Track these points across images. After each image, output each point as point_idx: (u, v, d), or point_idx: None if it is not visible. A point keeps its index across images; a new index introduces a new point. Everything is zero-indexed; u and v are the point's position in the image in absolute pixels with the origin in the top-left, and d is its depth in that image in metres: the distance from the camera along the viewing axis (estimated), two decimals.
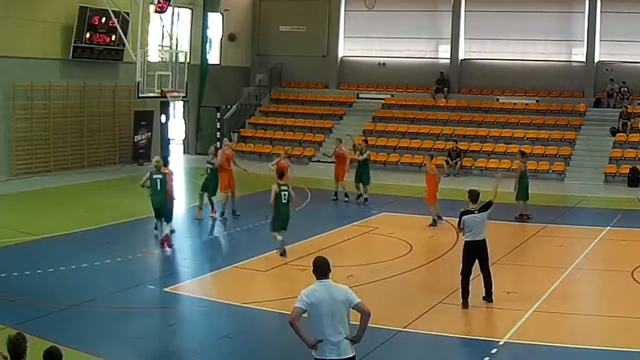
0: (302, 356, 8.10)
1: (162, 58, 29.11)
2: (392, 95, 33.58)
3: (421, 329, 11.03)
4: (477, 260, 12.05)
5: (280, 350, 10.26)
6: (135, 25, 26.14)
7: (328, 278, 7.26)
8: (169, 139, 31.18)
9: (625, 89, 29.80)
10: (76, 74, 26.40)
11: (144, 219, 18.41)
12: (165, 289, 13.02)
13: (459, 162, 28.40)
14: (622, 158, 27.13)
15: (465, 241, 12.06)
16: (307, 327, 7.22)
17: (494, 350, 10.08)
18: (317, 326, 7.13)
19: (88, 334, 10.63)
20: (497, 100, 31.80)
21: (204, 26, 32.17)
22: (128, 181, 24.25)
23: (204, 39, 32.20)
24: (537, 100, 31.43)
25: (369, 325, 7.23)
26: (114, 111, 28.25)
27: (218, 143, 21.82)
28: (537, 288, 13.00)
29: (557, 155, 28.00)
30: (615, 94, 29.96)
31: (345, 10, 35.04)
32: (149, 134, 29.51)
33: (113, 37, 26.72)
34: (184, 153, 32.46)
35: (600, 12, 30.25)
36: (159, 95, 26.70)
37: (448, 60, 33.06)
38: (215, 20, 33.24)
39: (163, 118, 30.38)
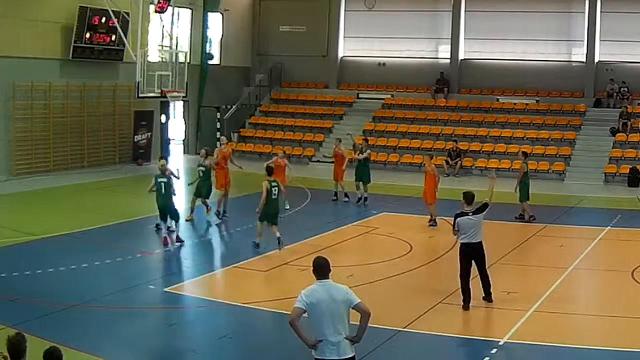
0: (302, 356, 8.10)
1: (162, 58, 29.10)
2: (392, 95, 33.58)
3: (421, 329, 11.02)
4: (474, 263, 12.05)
5: (280, 351, 10.25)
6: (135, 25, 26.14)
7: (328, 278, 7.26)
8: (169, 139, 31.21)
9: (625, 89, 29.80)
10: (76, 74, 26.40)
11: (144, 219, 18.44)
12: (165, 289, 13.02)
13: (459, 162, 28.40)
14: (622, 158, 27.14)
15: (461, 243, 12.05)
16: (307, 327, 7.22)
17: (494, 350, 10.09)
18: (317, 326, 7.13)
19: (88, 334, 10.62)
20: (497, 100, 31.80)
21: (204, 26, 32.17)
22: (130, 181, 24.29)
23: (204, 39, 32.20)
24: (537, 100, 31.43)
25: (369, 325, 7.23)
26: (114, 111, 28.25)
27: (218, 143, 21.80)
28: (537, 288, 13.00)
29: (557, 155, 28.01)
30: (615, 94, 29.96)
31: (345, 10, 35.04)
32: (149, 134, 29.52)
33: (113, 37, 26.71)
34: (184, 153, 32.46)
35: (600, 12, 30.25)
36: (159, 95, 26.71)
37: (448, 60, 33.06)
38: (215, 20, 33.25)
39: (163, 118, 30.42)
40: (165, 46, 29.13)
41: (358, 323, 7.19)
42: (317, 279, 7.25)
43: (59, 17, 25.50)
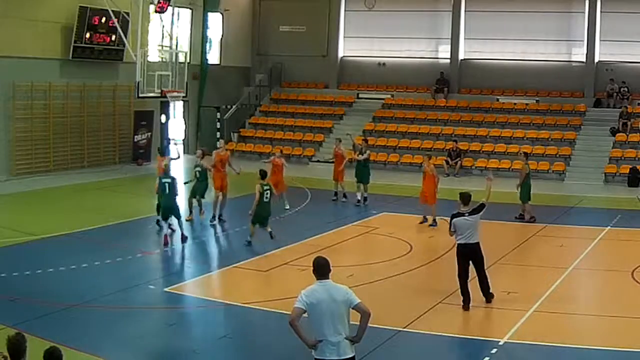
0: (302, 356, 8.10)
1: (162, 58, 29.11)
2: (392, 95, 33.58)
3: (421, 329, 11.02)
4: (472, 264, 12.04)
5: (280, 351, 10.25)
6: (135, 25, 26.15)
7: (328, 278, 7.26)
8: (169, 139, 31.20)
9: (625, 89, 29.80)
10: (76, 74, 26.41)
11: (144, 219, 18.44)
12: (165, 289, 13.02)
13: (459, 162, 28.40)
14: (622, 158, 27.13)
15: (458, 244, 12.04)
16: (307, 327, 7.22)
17: (494, 350, 10.08)
18: (317, 326, 7.13)
19: (88, 334, 10.62)
20: (497, 100, 31.80)
21: (204, 26, 32.17)
22: (130, 181, 24.29)
23: (204, 39, 32.20)
24: (537, 100, 31.43)
25: (369, 325, 7.24)
26: (114, 111, 28.26)
27: (218, 143, 21.80)
28: (537, 288, 12.99)
29: (557, 155, 28.00)
30: (615, 94, 29.96)
31: (345, 10, 35.04)
32: (149, 134, 29.53)
33: (113, 37, 26.72)
34: (184, 153, 32.43)
35: (600, 12, 30.25)
36: (159, 95, 26.71)
37: (448, 60, 33.06)
38: (215, 20, 33.25)
39: (163, 118, 30.42)
40: (165, 46, 29.14)
41: (358, 323, 7.19)
42: (317, 279, 7.25)
43: (59, 17, 25.51)
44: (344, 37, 35.23)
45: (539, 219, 19.16)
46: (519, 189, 19.31)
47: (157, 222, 17.28)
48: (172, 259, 15.60)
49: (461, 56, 32.96)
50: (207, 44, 32.42)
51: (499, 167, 27.46)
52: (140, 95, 26.01)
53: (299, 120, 33.10)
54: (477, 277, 12.09)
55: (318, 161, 30.04)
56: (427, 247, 16.89)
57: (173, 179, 16.32)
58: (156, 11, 26.83)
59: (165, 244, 15.88)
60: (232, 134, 32.90)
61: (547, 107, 30.63)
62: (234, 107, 33.57)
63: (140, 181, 25.03)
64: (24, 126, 24.97)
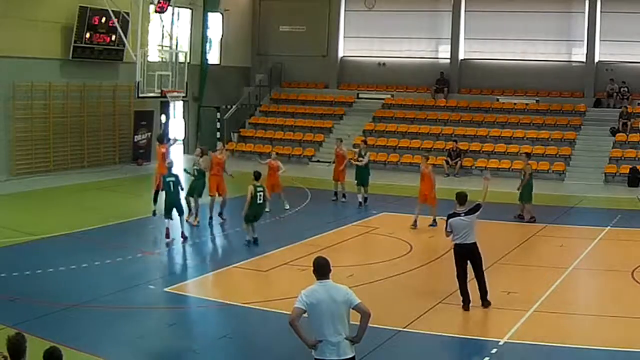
0: (302, 356, 8.10)
1: (162, 58, 29.12)
2: (392, 95, 33.57)
3: (421, 329, 11.03)
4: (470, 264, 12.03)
5: (280, 351, 10.25)
6: (135, 25, 26.14)
7: (328, 278, 7.26)
8: (169, 139, 31.19)
9: (625, 89, 29.79)
10: (76, 74, 26.40)
11: (144, 219, 18.45)
12: (165, 289, 13.02)
13: (459, 162, 28.39)
14: (622, 158, 27.13)
15: (455, 244, 12.02)
16: (307, 327, 7.22)
17: (494, 350, 10.09)
18: (317, 326, 7.13)
19: (88, 334, 10.63)
20: (497, 100, 31.79)
21: (204, 26, 32.17)
22: (130, 181, 24.28)
23: (204, 39, 32.20)
24: (537, 100, 31.43)
25: (369, 325, 7.24)
26: (114, 111, 28.26)
27: (217, 146, 21.77)
28: (537, 288, 13.00)
29: (557, 155, 28.00)
30: (615, 94, 29.96)
31: (345, 10, 35.04)
32: (149, 134, 29.52)
33: (113, 37, 26.71)
34: (184, 153, 32.45)
35: (600, 12, 30.25)
36: (159, 95, 26.71)
37: (448, 60, 33.06)
38: (215, 20, 33.25)
39: (163, 118, 30.41)
40: (165, 46, 29.15)
41: (358, 323, 7.19)
42: (317, 279, 7.25)
43: (59, 17, 25.50)
44: (344, 37, 35.22)
45: (539, 219, 19.15)
46: (520, 189, 19.31)
47: (154, 212, 17.42)
48: (172, 259, 15.62)
49: (461, 56, 32.96)
50: (207, 44, 32.41)
51: (499, 167, 27.48)
52: (140, 95, 26.01)
53: (299, 120, 33.09)
54: (475, 279, 12.07)
55: (318, 161, 30.01)
56: (427, 247, 16.88)
57: (176, 176, 16.47)
58: (156, 11, 26.82)
59: (167, 236, 16.03)
60: (232, 134, 32.90)
61: (547, 107, 30.63)
62: (234, 107, 33.56)
63: (140, 181, 25.04)
64: (24, 126, 24.97)
